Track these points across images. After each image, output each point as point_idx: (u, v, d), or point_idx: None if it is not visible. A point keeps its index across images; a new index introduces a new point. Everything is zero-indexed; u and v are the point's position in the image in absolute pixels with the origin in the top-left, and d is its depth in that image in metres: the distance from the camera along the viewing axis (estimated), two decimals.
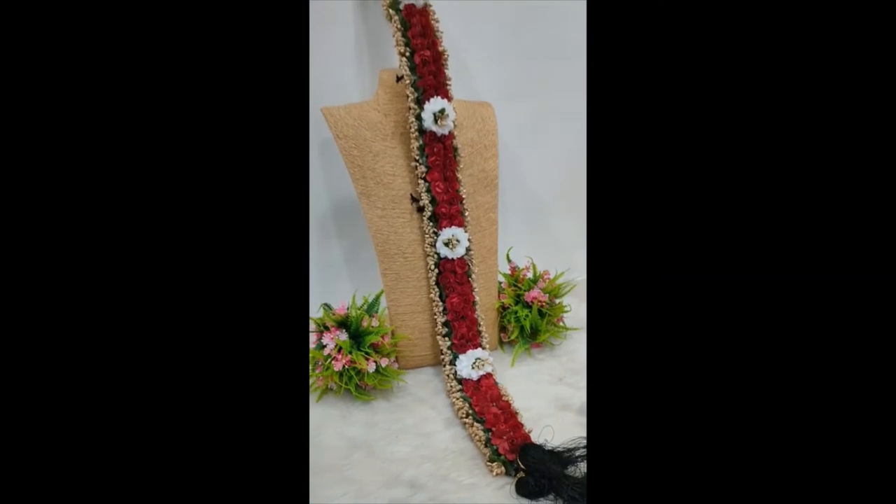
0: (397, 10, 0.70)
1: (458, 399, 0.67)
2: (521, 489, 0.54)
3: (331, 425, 0.65)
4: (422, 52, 0.70)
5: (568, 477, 0.53)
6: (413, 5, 0.70)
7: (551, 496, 0.53)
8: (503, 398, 0.66)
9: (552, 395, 0.69)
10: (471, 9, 0.83)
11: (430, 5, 0.72)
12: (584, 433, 0.59)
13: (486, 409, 0.64)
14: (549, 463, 0.55)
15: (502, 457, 0.58)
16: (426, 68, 0.70)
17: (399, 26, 0.70)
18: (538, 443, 0.58)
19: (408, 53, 0.70)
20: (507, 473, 0.57)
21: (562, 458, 0.56)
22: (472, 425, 0.63)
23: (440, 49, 0.71)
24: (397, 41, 0.70)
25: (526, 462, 0.55)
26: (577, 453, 0.56)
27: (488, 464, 0.58)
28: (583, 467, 0.55)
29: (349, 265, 0.92)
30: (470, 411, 0.65)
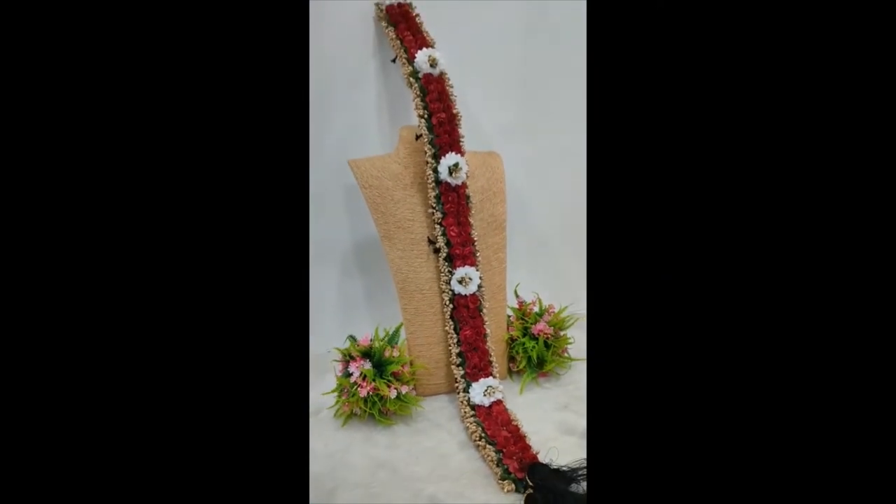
0: (417, 79, 0.82)
1: (471, 423, 0.75)
2: None
3: (357, 447, 0.73)
4: (438, 115, 0.81)
5: (572, 493, 0.60)
6: (430, 74, 0.82)
7: None
8: (513, 423, 0.74)
9: (558, 421, 0.76)
10: (477, 55, 0.93)
11: (446, 73, 0.83)
12: (586, 454, 0.66)
13: (497, 432, 0.72)
14: (554, 480, 0.62)
15: (512, 475, 0.64)
16: (442, 128, 0.81)
17: (418, 92, 0.82)
18: (544, 462, 0.65)
19: (426, 115, 0.81)
20: (517, 490, 0.63)
21: (566, 476, 0.63)
22: (484, 447, 0.70)
23: (454, 111, 0.82)
24: (417, 105, 0.82)
25: (534, 479, 0.62)
26: (580, 472, 0.63)
27: (500, 482, 0.65)
28: (585, 485, 0.62)
29: (369, 301, 1.01)
30: (482, 434, 0.72)
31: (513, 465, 0.65)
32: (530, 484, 0.62)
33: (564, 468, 0.64)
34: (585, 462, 0.64)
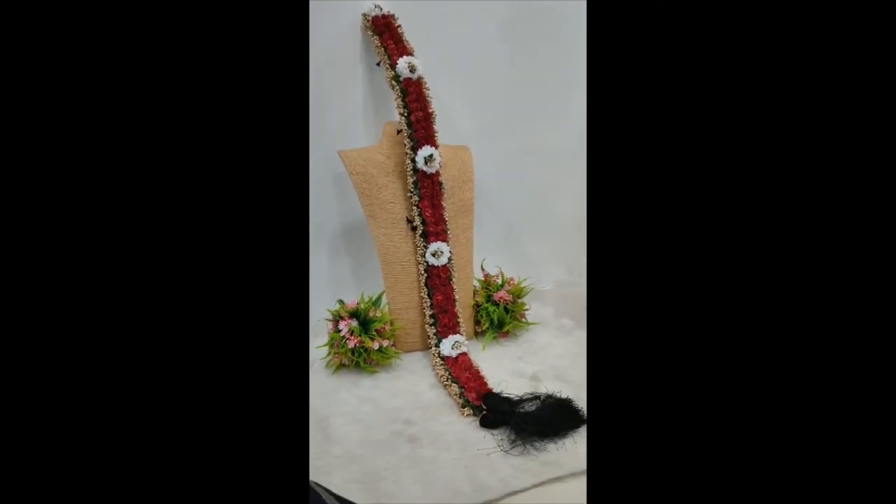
0: (398, 82, 1.00)
1: (440, 369, 0.93)
2: (484, 423, 0.80)
3: (346, 388, 0.91)
4: (416, 113, 0.99)
5: (517, 413, 0.79)
6: (410, 78, 1.00)
7: (505, 427, 0.78)
8: (474, 368, 0.92)
9: (512, 369, 0.95)
10: (456, 61, 1.11)
11: (423, 77, 1.01)
12: (531, 391, 0.85)
13: (461, 374, 0.90)
14: (503, 404, 0.81)
15: (471, 403, 0.83)
16: (419, 125, 0.99)
17: (399, 94, 0.99)
18: (496, 392, 0.84)
19: (406, 113, 0.99)
20: (474, 414, 0.82)
21: (513, 401, 0.82)
22: (450, 385, 0.88)
23: (430, 110, 1.00)
24: (398, 104, 1.00)
25: (487, 404, 0.81)
26: (525, 399, 0.82)
27: (461, 409, 0.84)
28: (527, 406, 0.81)
29: (355, 275, 1.18)
30: (449, 376, 0.90)
31: (471, 396, 0.84)
32: (484, 408, 0.81)
33: (513, 396, 0.83)
34: (528, 395, 0.83)
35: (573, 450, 0.74)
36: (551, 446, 0.75)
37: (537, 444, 0.75)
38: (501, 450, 0.75)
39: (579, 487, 0.69)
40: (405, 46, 1.02)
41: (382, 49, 1.02)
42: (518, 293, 1.08)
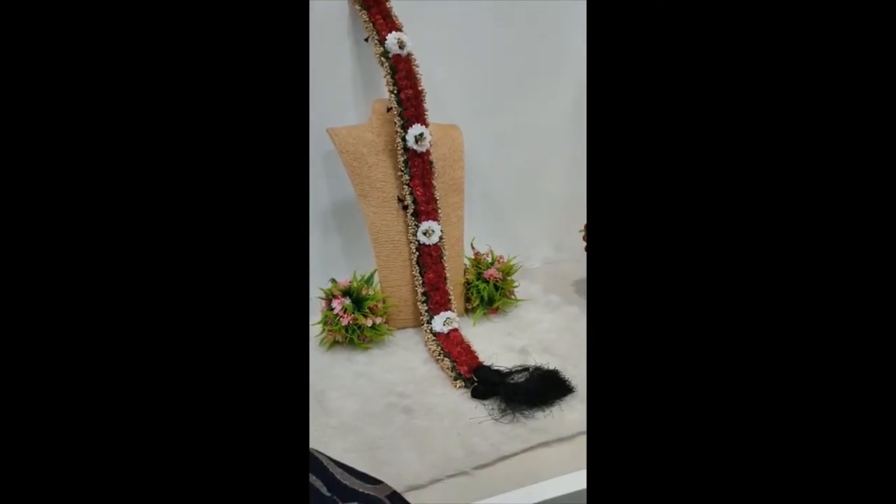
0: (387, 58, 1.00)
1: (433, 345, 0.97)
2: (476, 394, 0.84)
3: (339, 364, 0.94)
4: (406, 91, 1.00)
5: (506, 384, 0.84)
6: (399, 55, 1.00)
7: (495, 397, 0.83)
8: (465, 342, 0.96)
9: (502, 343, 1.00)
10: (447, 40, 1.12)
11: (412, 54, 1.02)
12: (520, 364, 0.89)
13: (452, 349, 0.94)
14: (493, 376, 0.85)
15: (462, 376, 0.88)
16: (409, 102, 1.00)
17: (389, 70, 1.00)
18: (487, 365, 0.88)
19: (395, 91, 1.00)
20: (465, 387, 0.87)
21: (502, 373, 0.87)
22: (442, 360, 0.92)
23: (420, 88, 1.01)
24: (387, 81, 1.00)
25: (478, 376, 0.86)
26: (514, 371, 0.87)
27: (453, 381, 0.88)
28: (516, 378, 0.85)
29: (346, 253, 1.20)
30: (441, 351, 0.94)
31: (463, 369, 0.89)
32: (475, 380, 0.86)
33: (503, 368, 0.88)
34: (518, 367, 0.88)
35: (560, 417, 0.79)
36: (539, 414, 0.80)
37: (526, 413, 0.79)
38: (492, 418, 0.79)
39: (566, 451, 0.75)
40: (394, 21, 1.02)
41: (371, 24, 1.02)
42: (507, 271, 1.11)
